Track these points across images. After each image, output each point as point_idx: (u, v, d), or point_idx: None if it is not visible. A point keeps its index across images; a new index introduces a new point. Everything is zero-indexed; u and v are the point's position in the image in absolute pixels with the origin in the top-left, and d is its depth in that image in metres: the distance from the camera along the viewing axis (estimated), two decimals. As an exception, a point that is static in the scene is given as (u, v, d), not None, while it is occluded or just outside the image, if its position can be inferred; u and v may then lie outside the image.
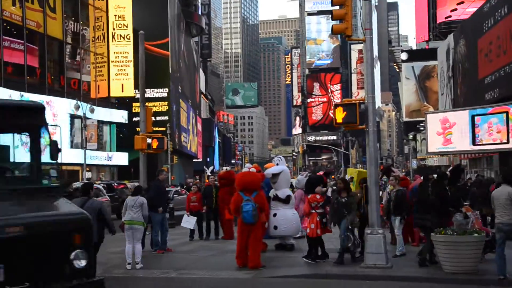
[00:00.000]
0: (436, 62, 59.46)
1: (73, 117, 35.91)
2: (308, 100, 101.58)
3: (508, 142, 33.72)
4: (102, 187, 24.24)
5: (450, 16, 57.13)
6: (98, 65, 41.13)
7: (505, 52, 36.62)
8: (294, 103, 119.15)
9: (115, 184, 30.27)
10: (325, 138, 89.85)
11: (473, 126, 37.68)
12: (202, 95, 77.66)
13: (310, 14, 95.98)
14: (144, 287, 11.18)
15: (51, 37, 36.13)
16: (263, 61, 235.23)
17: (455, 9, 55.28)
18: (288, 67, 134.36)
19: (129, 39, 42.16)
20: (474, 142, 37.49)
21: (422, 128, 53.25)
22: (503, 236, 11.00)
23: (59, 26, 37.13)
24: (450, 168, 26.50)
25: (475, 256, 11.05)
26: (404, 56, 71.74)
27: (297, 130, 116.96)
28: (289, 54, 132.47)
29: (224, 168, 32.01)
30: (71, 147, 36.31)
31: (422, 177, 17.12)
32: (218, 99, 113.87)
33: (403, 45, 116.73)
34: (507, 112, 34.12)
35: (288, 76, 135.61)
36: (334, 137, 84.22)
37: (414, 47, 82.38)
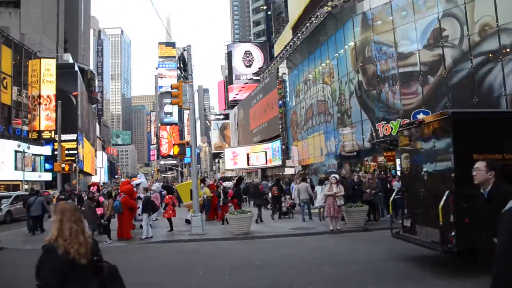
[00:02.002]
0: (229, 121, 75.01)
1: (17, 152, 40.39)
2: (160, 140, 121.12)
3: (266, 164, 48.48)
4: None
5: (235, 97, 70.34)
6: (32, 121, 45.29)
7: (262, 117, 50.44)
8: (152, 143, 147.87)
9: (42, 191, 31.09)
10: (169, 162, 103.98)
11: (247, 156, 50.93)
12: (97, 138, 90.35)
13: (161, 93, 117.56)
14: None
15: (3, 104, 39.54)
16: (133, 118, 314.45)
17: (237, 94, 69.26)
18: (148, 122, 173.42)
19: (53, 108, 45.88)
20: (248, 164, 51.08)
21: (222, 156, 66.89)
22: (304, 205, 16.56)
23: (9, 97, 40.65)
24: (236, 177, 33.30)
25: (248, 224, 13.95)
26: (212, 117, 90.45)
27: (154, 158, 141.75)
28: (149, 115, 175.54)
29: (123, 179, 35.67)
30: (15, 169, 40.08)
31: (235, 179, 22.78)
32: (107, 140, 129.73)
33: (211, 111, 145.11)
34: (265, 152, 48.27)
35: (148, 127, 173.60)
36: (175, 161, 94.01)
37: (218, 112, 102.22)
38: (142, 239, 13.67)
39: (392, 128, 21.83)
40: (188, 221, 16.79)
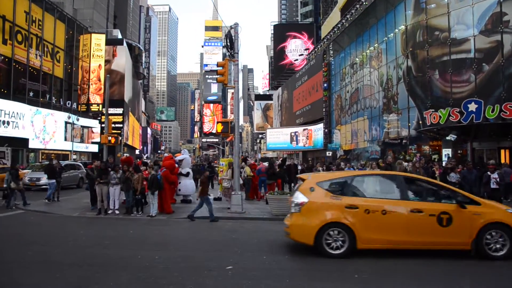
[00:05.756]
0: (272, 101, 74.74)
1: (67, 123, 42.01)
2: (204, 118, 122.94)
3: (305, 146, 48.74)
4: (82, 163, 29.19)
5: (279, 78, 69.21)
6: (81, 94, 46.71)
7: (305, 99, 50.46)
8: (195, 120, 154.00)
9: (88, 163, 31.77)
10: (211, 140, 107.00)
11: (291, 137, 50.91)
12: (142, 113, 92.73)
13: (206, 71, 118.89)
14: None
15: (56, 77, 40.75)
16: (178, 95, 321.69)
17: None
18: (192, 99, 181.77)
19: (101, 82, 47.40)
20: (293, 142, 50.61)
21: (264, 136, 67.61)
22: None
23: (61, 70, 41.72)
24: (281, 158, 33.48)
25: (288, 205, 11.03)
26: (256, 97, 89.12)
27: (196, 135, 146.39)
28: (194, 92, 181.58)
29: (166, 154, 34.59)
30: (65, 140, 41.84)
31: (280, 160, 22.57)
32: (152, 115, 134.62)
33: (255, 91, 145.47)
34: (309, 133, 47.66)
35: (192, 104, 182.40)
36: (217, 140, 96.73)
37: (261, 93, 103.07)
38: (152, 216, 13.39)
39: (440, 117, 21.02)
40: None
